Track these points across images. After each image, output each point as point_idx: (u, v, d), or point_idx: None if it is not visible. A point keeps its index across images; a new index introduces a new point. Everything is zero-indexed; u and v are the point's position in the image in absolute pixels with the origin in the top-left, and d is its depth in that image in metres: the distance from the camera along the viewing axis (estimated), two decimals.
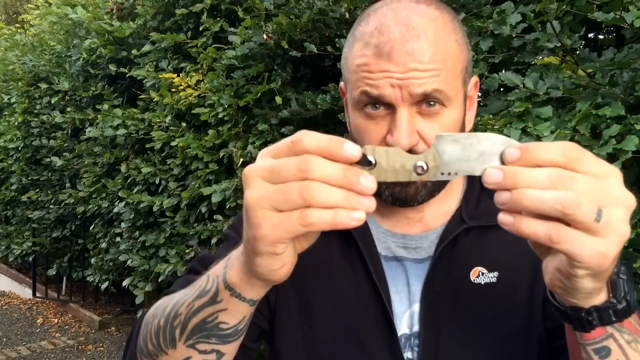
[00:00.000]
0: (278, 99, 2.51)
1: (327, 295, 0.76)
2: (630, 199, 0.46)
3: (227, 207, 2.90)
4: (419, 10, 0.67)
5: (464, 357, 0.71)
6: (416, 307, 0.74)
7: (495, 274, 0.73)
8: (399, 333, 0.73)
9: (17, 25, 6.24)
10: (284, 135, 2.62)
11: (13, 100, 5.56)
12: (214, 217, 2.95)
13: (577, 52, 1.71)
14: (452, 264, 0.73)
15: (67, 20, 4.48)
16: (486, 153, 0.48)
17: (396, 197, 0.72)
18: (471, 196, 0.78)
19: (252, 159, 2.66)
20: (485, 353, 0.72)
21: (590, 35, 2.04)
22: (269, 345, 0.81)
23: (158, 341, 0.64)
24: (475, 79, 0.78)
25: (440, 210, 0.78)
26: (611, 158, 1.29)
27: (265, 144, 2.66)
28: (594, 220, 0.44)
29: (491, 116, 1.71)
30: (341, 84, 0.81)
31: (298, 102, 2.45)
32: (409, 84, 0.65)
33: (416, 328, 0.73)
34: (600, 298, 0.51)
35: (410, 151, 0.65)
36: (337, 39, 2.27)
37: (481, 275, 0.73)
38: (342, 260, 0.77)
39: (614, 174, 0.46)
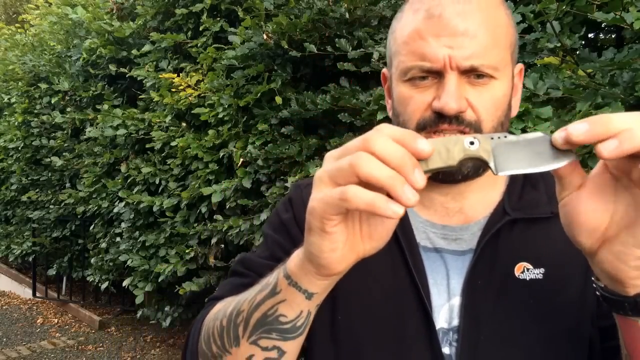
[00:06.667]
0: (278, 99, 2.51)
1: (362, 284, 0.73)
2: None
3: (227, 207, 2.90)
4: None
5: (504, 354, 0.68)
6: (455, 300, 0.71)
7: (542, 270, 0.70)
8: (437, 327, 0.70)
9: (17, 25, 6.24)
10: (283, 135, 2.63)
11: (13, 100, 5.57)
12: (214, 217, 2.95)
13: (577, 52, 1.71)
14: (496, 258, 0.71)
15: (67, 20, 4.49)
16: (539, 147, 0.49)
17: None
18: (514, 187, 0.76)
19: (252, 159, 2.66)
20: (527, 351, 0.69)
21: (590, 35, 2.05)
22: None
23: (222, 341, 0.65)
24: (520, 66, 0.77)
25: (481, 201, 0.75)
26: None
27: (265, 144, 2.66)
28: None
29: None
30: (384, 70, 0.81)
31: (298, 102, 2.45)
32: (460, 48, 0.64)
33: (455, 322, 0.70)
34: None
35: (460, 122, 0.66)
36: (337, 39, 2.27)
37: (526, 271, 0.70)
38: None
39: None
